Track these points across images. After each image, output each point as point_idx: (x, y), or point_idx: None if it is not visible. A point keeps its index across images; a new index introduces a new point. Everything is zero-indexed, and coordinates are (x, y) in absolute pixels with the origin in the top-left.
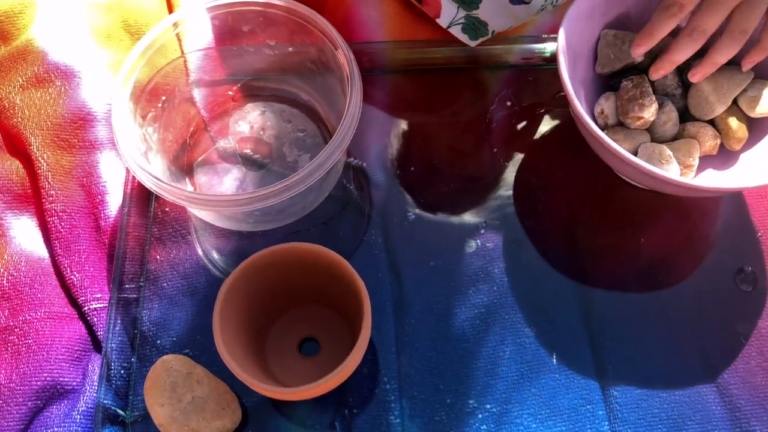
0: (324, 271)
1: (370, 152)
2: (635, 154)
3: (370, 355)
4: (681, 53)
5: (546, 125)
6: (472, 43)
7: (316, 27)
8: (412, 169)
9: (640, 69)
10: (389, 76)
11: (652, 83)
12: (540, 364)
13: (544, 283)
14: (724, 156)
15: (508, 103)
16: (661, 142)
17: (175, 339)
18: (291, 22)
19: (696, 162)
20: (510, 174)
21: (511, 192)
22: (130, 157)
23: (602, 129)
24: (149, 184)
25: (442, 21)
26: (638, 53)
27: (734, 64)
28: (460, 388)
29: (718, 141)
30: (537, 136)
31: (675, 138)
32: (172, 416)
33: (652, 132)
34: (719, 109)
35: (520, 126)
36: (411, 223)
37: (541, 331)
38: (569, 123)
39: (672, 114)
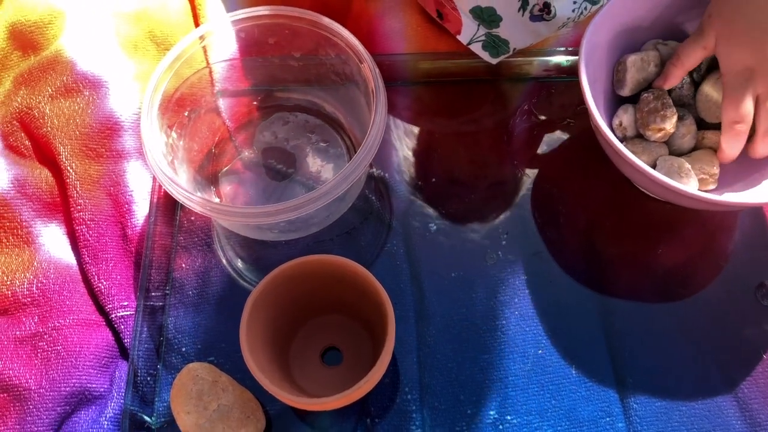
0: (348, 283)
1: (391, 163)
2: (653, 166)
3: (391, 365)
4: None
5: (566, 137)
6: (493, 61)
7: (341, 40)
8: (434, 180)
9: None
10: (411, 87)
11: (670, 95)
12: (560, 375)
13: (565, 295)
14: (745, 164)
15: (529, 115)
16: (679, 154)
17: (199, 347)
18: (316, 35)
19: (717, 170)
20: (529, 185)
21: (530, 203)
22: (158, 167)
23: (621, 141)
24: (177, 195)
25: (463, 38)
26: (672, 84)
27: None
28: (481, 399)
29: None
30: (557, 148)
31: (693, 149)
32: (197, 424)
33: (670, 144)
34: None
35: (540, 138)
36: (432, 233)
37: (561, 342)
38: (588, 135)
39: (692, 127)
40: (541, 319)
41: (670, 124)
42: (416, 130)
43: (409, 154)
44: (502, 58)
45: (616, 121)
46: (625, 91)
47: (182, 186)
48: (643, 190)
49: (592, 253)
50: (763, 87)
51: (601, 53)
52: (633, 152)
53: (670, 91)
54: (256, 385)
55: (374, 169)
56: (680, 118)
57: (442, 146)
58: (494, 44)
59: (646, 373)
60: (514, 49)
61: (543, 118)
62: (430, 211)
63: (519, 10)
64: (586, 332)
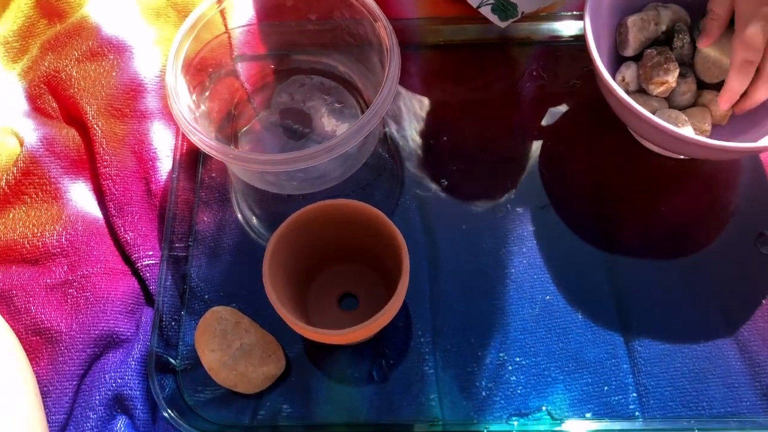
0: (366, 228)
1: (404, 123)
2: None
3: (405, 311)
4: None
5: (572, 99)
6: (502, 24)
7: (356, 0)
8: (445, 138)
9: (660, 42)
10: (421, 51)
11: (672, 52)
12: (567, 320)
13: (571, 246)
14: (741, 122)
15: (537, 78)
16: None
17: (221, 294)
18: None
19: (708, 127)
20: (537, 144)
21: (538, 161)
22: (182, 117)
23: None
24: (199, 142)
25: (473, 1)
26: (714, 39)
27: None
28: (491, 342)
29: (729, 113)
30: (564, 109)
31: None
32: (221, 361)
33: (671, 101)
34: (725, 74)
35: (547, 100)
36: (444, 188)
37: (568, 290)
38: (595, 96)
39: (692, 85)
40: (549, 267)
41: (672, 78)
42: (427, 92)
43: (422, 114)
44: (510, 21)
45: (618, 77)
46: (629, 51)
47: (204, 134)
48: (645, 144)
49: (599, 206)
50: None
51: (604, 17)
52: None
53: (672, 50)
54: (276, 328)
55: (387, 129)
56: (681, 75)
57: (452, 108)
58: (503, 7)
59: (650, 318)
60: (523, 12)
61: (550, 80)
62: (441, 168)
63: None
64: (593, 280)
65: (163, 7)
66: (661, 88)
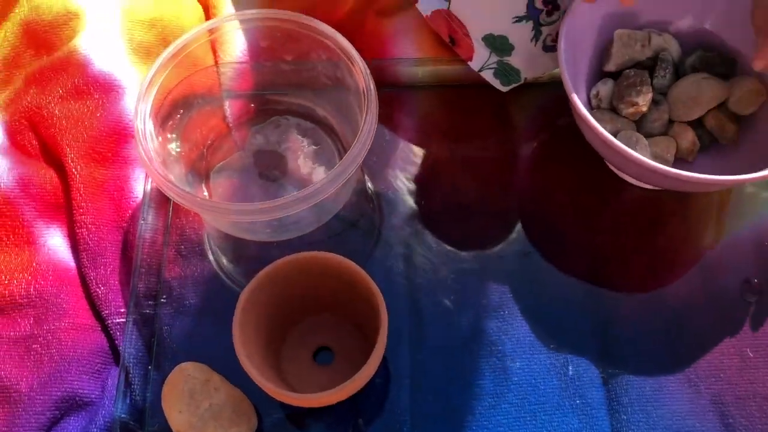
0: (342, 281)
1: (384, 167)
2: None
3: (383, 365)
4: None
5: (552, 139)
6: (504, 88)
7: (333, 42)
8: (426, 184)
9: (644, 66)
10: (405, 91)
11: (651, 80)
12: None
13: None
14: (709, 160)
15: (522, 117)
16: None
17: (191, 350)
18: (307, 38)
19: (671, 158)
20: (523, 188)
21: (521, 207)
22: (150, 164)
23: (590, 110)
24: (169, 191)
25: (474, 64)
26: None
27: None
28: (473, 402)
29: (696, 148)
30: (545, 148)
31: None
32: (189, 422)
33: (640, 127)
34: (696, 114)
35: (533, 139)
36: (422, 234)
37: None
38: (572, 133)
39: (665, 115)
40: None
41: (643, 101)
42: (410, 135)
43: (402, 158)
44: (512, 86)
45: (593, 91)
46: (610, 65)
47: (174, 182)
48: (615, 171)
49: (587, 256)
50: None
51: (593, 33)
52: (599, 119)
53: (652, 77)
54: (248, 386)
55: (364, 174)
56: (655, 102)
57: (434, 151)
58: (506, 72)
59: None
60: (525, 78)
61: (537, 118)
62: (422, 214)
63: (532, 40)
64: (580, 348)
65: (155, 46)
66: (631, 109)
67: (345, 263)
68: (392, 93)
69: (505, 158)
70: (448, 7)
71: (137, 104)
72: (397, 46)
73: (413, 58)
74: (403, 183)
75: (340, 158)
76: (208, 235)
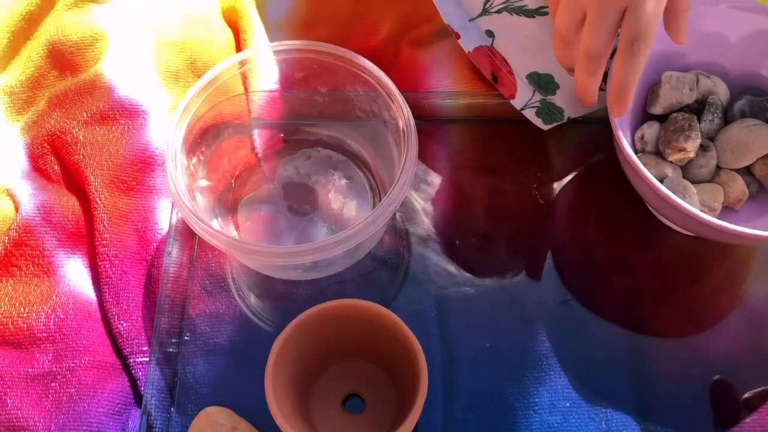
0: (376, 328)
1: (415, 205)
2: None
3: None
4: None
5: (597, 174)
6: (545, 127)
7: (371, 77)
8: (458, 221)
9: (691, 109)
10: (436, 125)
11: (699, 124)
12: None
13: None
14: (756, 209)
15: (560, 153)
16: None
17: (216, 392)
18: (344, 71)
19: (718, 207)
20: (560, 229)
21: (558, 249)
22: (181, 200)
23: (636, 153)
24: (199, 229)
25: (516, 103)
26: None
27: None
28: None
29: (745, 198)
30: (582, 186)
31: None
32: None
33: (686, 172)
34: (746, 162)
35: (565, 179)
36: (455, 276)
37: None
38: (618, 177)
39: (712, 161)
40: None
41: (691, 146)
42: (442, 169)
43: (433, 195)
44: (554, 125)
45: (638, 134)
46: (657, 108)
47: (204, 220)
48: (657, 215)
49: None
50: None
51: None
52: (644, 163)
53: (699, 120)
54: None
55: (397, 212)
56: (703, 148)
57: (468, 188)
58: (548, 111)
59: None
60: (568, 117)
61: (574, 155)
62: (452, 252)
63: None
64: (618, 401)
65: (183, 70)
66: (678, 155)
67: (380, 311)
68: (425, 126)
69: (542, 196)
70: (492, 44)
71: (169, 138)
72: (431, 78)
73: (448, 91)
74: (433, 219)
75: (372, 193)
76: (234, 271)
